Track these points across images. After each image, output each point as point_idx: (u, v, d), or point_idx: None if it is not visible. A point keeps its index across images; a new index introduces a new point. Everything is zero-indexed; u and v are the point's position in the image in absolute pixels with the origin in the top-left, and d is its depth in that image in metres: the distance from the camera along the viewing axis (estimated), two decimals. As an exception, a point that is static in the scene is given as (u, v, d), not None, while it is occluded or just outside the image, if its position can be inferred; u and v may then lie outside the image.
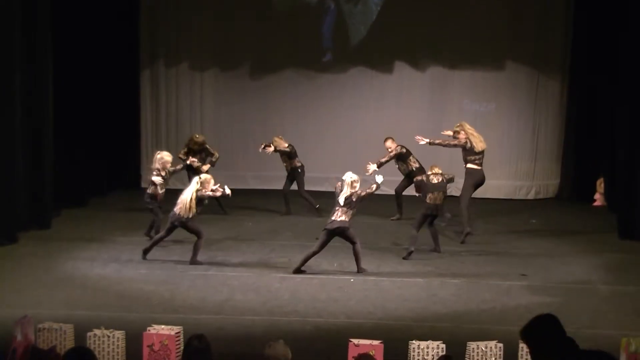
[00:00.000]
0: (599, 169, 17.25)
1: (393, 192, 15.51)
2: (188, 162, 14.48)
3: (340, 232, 11.57)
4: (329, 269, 11.89)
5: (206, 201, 12.14)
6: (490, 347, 8.01)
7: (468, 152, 14.01)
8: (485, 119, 18.30)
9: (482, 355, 7.98)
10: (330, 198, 12.43)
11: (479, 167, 14.02)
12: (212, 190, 11.99)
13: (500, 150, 18.06)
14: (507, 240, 14.01)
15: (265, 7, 18.27)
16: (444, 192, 12.85)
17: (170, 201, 12.53)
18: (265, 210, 16.12)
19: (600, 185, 17.23)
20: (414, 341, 8.05)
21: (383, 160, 14.74)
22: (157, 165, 13.08)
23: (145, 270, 11.67)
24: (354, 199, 11.54)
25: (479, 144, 13.98)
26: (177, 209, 11.92)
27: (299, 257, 11.75)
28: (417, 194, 13.19)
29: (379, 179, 11.93)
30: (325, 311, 10.05)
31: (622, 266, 12.48)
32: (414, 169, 14.79)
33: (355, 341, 7.89)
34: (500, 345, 8.05)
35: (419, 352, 7.95)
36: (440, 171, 12.95)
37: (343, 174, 17.80)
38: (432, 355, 7.89)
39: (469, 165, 14.06)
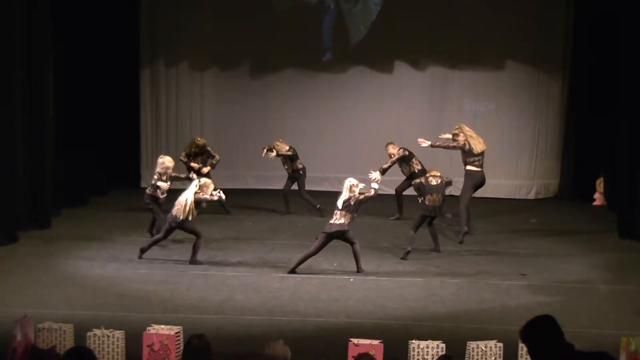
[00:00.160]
0: (599, 169, 17.26)
1: (393, 192, 15.51)
2: (191, 174, 14.53)
3: (338, 235, 11.60)
4: (329, 268, 11.89)
5: (204, 204, 12.15)
6: (490, 347, 8.01)
7: (467, 154, 14.02)
8: (485, 119, 18.33)
9: (482, 355, 7.97)
10: (330, 197, 12.43)
11: (479, 169, 14.02)
12: (210, 194, 12.01)
13: (500, 149, 18.07)
14: (507, 240, 14.01)
15: (265, 7, 18.26)
16: (443, 193, 12.87)
17: (171, 201, 12.53)
18: (265, 210, 16.12)
19: (600, 184, 17.23)
20: (413, 341, 8.04)
21: (386, 166, 14.77)
22: (158, 169, 13.12)
23: (145, 270, 11.67)
24: (352, 203, 11.56)
25: (477, 146, 13.98)
26: (174, 211, 11.95)
27: (299, 256, 11.75)
28: (418, 198, 13.14)
29: (374, 185, 11.92)
30: (325, 311, 10.05)
31: (622, 266, 12.48)
32: (416, 170, 14.78)
33: (355, 341, 7.88)
34: (500, 344, 8.05)
35: (418, 352, 7.95)
36: (438, 174, 12.96)
37: (343, 174, 17.95)
38: (432, 354, 7.89)
39: (469, 167, 14.06)
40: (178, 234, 12.52)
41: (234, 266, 11.99)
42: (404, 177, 15.19)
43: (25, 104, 13.54)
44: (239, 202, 16.05)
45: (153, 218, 13.25)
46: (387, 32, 18.13)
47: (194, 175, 13.18)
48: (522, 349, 8.00)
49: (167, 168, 13.07)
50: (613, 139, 15.36)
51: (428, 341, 8.02)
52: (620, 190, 14.67)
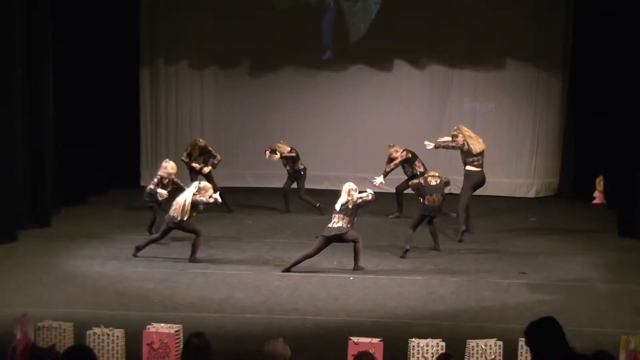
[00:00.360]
0: (598, 168, 17.25)
1: (393, 190, 15.51)
2: (195, 176, 14.84)
3: (337, 238, 11.61)
4: (329, 267, 11.89)
5: (201, 207, 12.17)
6: (490, 345, 8.01)
7: (466, 154, 14.02)
8: (485, 118, 18.34)
9: (481, 353, 7.98)
10: (330, 197, 12.44)
11: (478, 169, 14.01)
12: (209, 197, 12.03)
13: (500, 148, 18.07)
14: (506, 239, 14.01)
15: (265, 7, 18.26)
16: (442, 193, 12.88)
17: (171, 201, 12.53)
18: (265, 209, 16.12)
19: (599, 183, 17.23)
20: (413, 339, 8.04)
21: (388, 169, 14.80)
22: (160, 172, 13.16)
23: (145, 269, 11.67)
24: (350, 206, 11.58)
25: (476, 146, 13.97)
26: (172, 211, 11.98)
27: (297, 256, 11.75)
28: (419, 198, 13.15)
29: (370, 191, 11.92)
30: (324, 309, 10.05)
31: (622, 264, 12.48)
32: (419, 172, 14.73)
33: (355, 339, 7.89)
34: (500, 343, 8.05)
35: (418, 350, 7.95)
36: (437, 174, 12.97)
37: (343, 172, 18.09)
38: (432, 353, 7.89)
39: (468, 167, 14.06)
40: (178, 232, 12.51)
41: (233, 264, 12.00)
42: (405, 177, 15.17)
43: (25, 104, 13.54)
44: (239, 200, 16.06)
45: (153, 216, 13.27)
46: (387, 30, 18.13)
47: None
48: (522, 347, 8.00)
49: (170, 174, 13.11)
50: (613, 138, 15.36)
51: (428, 339, 8.02)
52: (620, 189, 14.67)
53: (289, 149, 15.49)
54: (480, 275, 11.66)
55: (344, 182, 13.14)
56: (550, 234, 14.46)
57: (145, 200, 13.23)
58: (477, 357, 7.97)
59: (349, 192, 11.66)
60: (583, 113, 17.74)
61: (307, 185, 15.78)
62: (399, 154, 14.95)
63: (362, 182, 17.48)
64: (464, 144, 13.98)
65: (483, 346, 8.00)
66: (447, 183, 13.15)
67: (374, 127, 18.34)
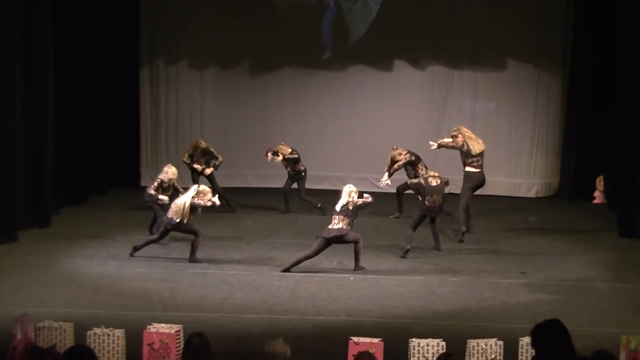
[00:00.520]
0: (599, 167, 17.25)
1: (394, 191, 15.50)
2: (197, 177, 15.09)
3: (337, 240, 11.61)
4: (329, 267, 11.89)
5: (199, 210, 12.17)
6: (490, 345, 8.01)
7: (465, 154, 14.00)
8: (485, 117, 18.35)
9: (482, 353, 7.98)
10: (330, 196, 12.44)
11: (478, 170, 13.99)
12: (207, 200, 12.04)
13: (501, 148, 18.09)
14: (506, 238, 14.01)
15: (265, 6, 18.25)
16: (443, 194, 12.88)
17: (170, 201, 12.54)
18: (265, 209, 16.12)
19: (599, 182, 17.23)
20: (414, 339, 8.04)
21: (392, 170, 14.78)
22: (161, 176, 13.23)
23: (145, 269, 11.66)
24: (350, 207, 11.57)
25: (476, 146, 13.95)
26: (170, 213, 12.00)
27: (297, 256, 11.75)
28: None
29: (367, 196, 11.91)
30: (325, 309, 10.05)
31: (622, 264, 12.48)
32: (421, 175, 14.72)
33: (356, 339, 7.88)
34: (500, 342, 8.05)
35: (419, 350, 7.94)
36: (437, 174, 12.98)
37: (343, 172, 18.09)
38: (432, 353, 7.89)
39: (467, 169, 14.05)
40: (178, 232, 12.49)
41: (233, 264, 12.00)
42: (407, 178, 15.15)
43: (25, 104, 13.55)
44: (239, 200, 16.05)
45: (154, 216, 13.27)
46: (387, 30, 18.13)
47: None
48: (522, 347, 8.01)
49: (170, 180, 13.21)
50: (613, 137, 15.36)
51: (428, 339, 8.02)
52: (620, 189, 14.67)
53: (290, 150, 15.48)
54: (480, 275, 11.66)
55: (344, 182, 13.18)
56: (550, 233, 14.46)
57: (145, 200, 13.26)
58: (477, 357, 7.97)
59: (349, 194, 11.66)
60: (583, 113, 17.74)
61: (307, 185, 15.78)
62: (402, 157, 14.90)
63: (363, 182, 17.57)
64: (463, 145, 13.97)
65: (483, 346, 8.00)
66: (446, 183, 13.16)
67: (374, 127, 18.34)
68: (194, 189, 12.17)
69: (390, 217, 15.35)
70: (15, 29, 13.17)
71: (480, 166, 14.01)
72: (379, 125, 18.33)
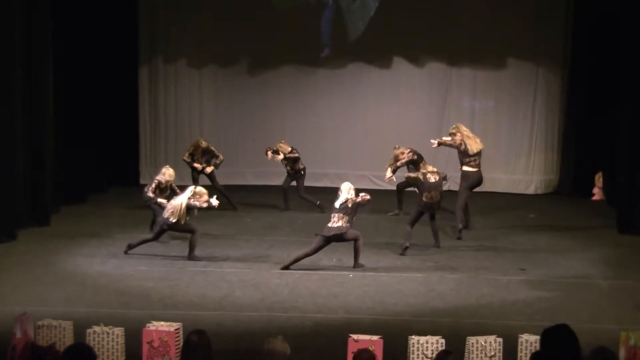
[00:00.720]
0: (598, 164, 17.24)
1: (393, 188, 15.51)
2: (197, 175, 15.25)
3: (337, 238, 11.61)
4: (328, 264, 11.89)
5: (196, 212, 12.17)
6: (490, 342, 8.02)
7: (463, 154, 13.99)
8: (484, 115, 18.35)
9: (481, 350, 7.98)
10: (329, 194, 12.44)
11: (475, 169, 13.97)
12: (202, 203, 12.04)
13: (500, 145, 18.10)
14: (506, 235, 14.01)
15: (264, 5, 18.24)
16: (441, 191, 12.88)
17: (168, 201, 12.55)
18: (264, 206, 16.12)
19: (599, 179, 17.22)
20: (413, 336, 8.04)
21: (394, 167, 14.77)
22: (159, 177, 13.26)
23: (145, 267, 11.67)
24: (349, 205, 11.57)
25: (473, 146, 13.92)
26: (166, 214, 12.00)
27: (296, 253, 11.75)
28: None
29: (364, 194, 11.91)
30: (324, 307, 10.05)
31: (621, 261, 12.48)
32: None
33: (355, 337, 7.89)
34: (500, 339, 8.05)
35: (418, 347, 7.95)
36: (435, 170, 12.97)
37: (342, 170, 18.10)
38: (432, 350, 7.89)
39: (464, 168, 14.04)
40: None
41: (233, 262, 12.00)
42: None
43: (25, 104, 13.56)
44: (239, 198, 16.05)
45: (153, 215, 13.27)
46: (386, 28, 18.12)
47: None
48: (522, 344, 8.02)
49: (168, 181, 13.26)
50: (612, 135, 15.36)
51: (427, 336, 8.03)
52: (620, 186, 14.66)
53: (289, 149, 15.48)
54: (479, 272, 11.66)
55: (344, 180, 13.19)
56: (549, 230, 14.46)
57: (144, 199, 13.28)
58: (476, 354, 7.98)
59: (348, 192, 11.66)
60: (583, 111, 17.73)
61: (306, 183, 15.78)
62: (405, 155, 14.89)
63: (362, 180, 17.62)
64: (461, 144, 13.94)
65: (483, 343, 8.01)
66: (444, 178, 13.16)
67: (373, 125, 18.35)
68: (190, 189, 12.18)
69: (389, 214, 15.36)
70: (15, 29, 13.17)
71: (478, 165, 13.99)
72: (378, 122, 18.33)
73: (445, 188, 13.10)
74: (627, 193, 14.21)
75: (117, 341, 8.07)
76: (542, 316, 9.69)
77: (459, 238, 13.49)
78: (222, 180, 15.84)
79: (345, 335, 8.03)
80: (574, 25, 17.84)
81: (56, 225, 14.18)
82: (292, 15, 18.30)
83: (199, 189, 12.30)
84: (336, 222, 11.55)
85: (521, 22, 17.96)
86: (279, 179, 16.28)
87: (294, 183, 15.63)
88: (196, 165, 15.39)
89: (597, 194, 17.28)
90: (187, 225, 12.10)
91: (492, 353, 7.98)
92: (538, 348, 7.73)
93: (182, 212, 11.92)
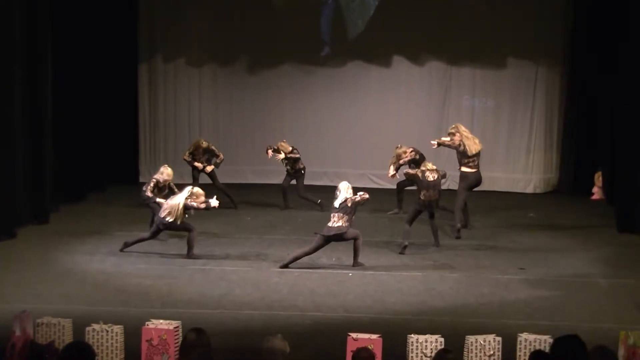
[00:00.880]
0: (598, 163, 17.24)
1: (393, 187, 15.49)
2: (197, 174, 15.31)
3: (337, 238, 11.61)
4: (328, 263, 11.89)
5: (192, 212, 12.16)
6: (489, 341, 8.01)
7: (462, 154, 13.98)
8: (484, 114, 18.33)
9: (480, 349, 7.98)
10: (329, 192, 12.43)
11: (473, 170, 13.96)
12: (199, 204, 12.03)
13: (499, 144, 18.10)
14: (505, 234, 14.01)
15: (264, 3, 18.22)
16: (439, 190, 12.88)
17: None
18: (264, 205, 16.10)
19: (598, 178, 17.22)
20: (412, 335, 8.04)
21: (397, 165, 14.77)
22: (157, 176, 13.30)
23: (144, 265, 11.67)
24: (349, 204, 11.56)
25: (472, 147, 13.90)
26: (163, 213, 12.00)
27: (296, 252, 11.75)
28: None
29: (361, 193, 11.90)
30: (323, 305, 10.05)
31: (621, 260, 12.48)
32: None
33: (354, 335, 7.88)
34: (499, 338, 8.05)
35: (417, 346, 7.95)
36: (434, 167, 12.96)
37: (341, 168, 18.08)
38: (431, 349, 7.89)
39: (463, 169, 14.02)
40: (177, 229, 12.52)
41: (232, 261, 12.00)
42: None
43: (25, 100, 13.55)
44: (239, 197, 16.03)
45: (152, 213, 13.26)
46: (385, 27, 18.09)
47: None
48: (521, 343, 8.01)
49: (166, 180, 13.28)
50: (612, 134, 15.36)
51: (427, 335, 8.02)
52: (620, 185, 14.66)
53: (290, 148, 15.46)
54: (479, 271, 11.66)
55: (343, 179, 13.19)
56: (549, 229, 14.46)
57: (142, 199, 13.30)
58: (475, 353, 7.98)
59: (347, 191, 11.65)
60: (582, 110, 17.73)
61: (305, 182, 15.76)
62: (407, 155, 14.88)
63: (361, 179, 17.61)
64: (460, 144, 13.92)
65: (482, 342, 8.01)
66: (443, 175, 13.16)
67: (373, 123, 18.33)
68: (187, 190, 12.18)
69: (389, 213, 15.35)
70: (15, 29, 13.16)
71: (477, 166, 13.98)
72: (377, 121, 18.31)
73: (444, 187, 13.09)
74: (627, 192, 14.21)
75: (116, 339, 8.07)
76: (542, 315, 9.70)
77: (458, 237, 13.48)
78: (221, 179, 15.82)
79: (344, 334, 8.02)
80: (574, 24, 17.83)
81: (56, 223, 14.17)
82: (292, 14, 18.27)
83: (196, 189, 12.29)
84: (336, 221, 11.54)
85: (521, 22, 17.94)
86: (278, 178, 16.27)
87: (293, 182, 15.62)
88: (197, 164, 15.40)
89: (597, 193, 17.28)
90: (184, 224, 12.09)
91: (491, 352, 7.98)
92: (537, 347, 7.77)
93: (179, 212, 11.92)
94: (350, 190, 11.68)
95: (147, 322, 8.12)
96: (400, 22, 18.03)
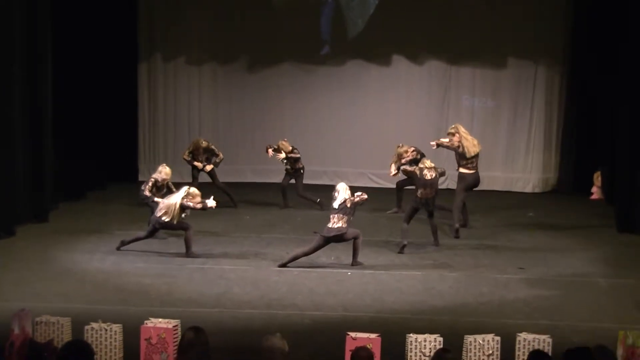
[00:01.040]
0: (597, 163, 17.24)
1: (392, 186, 15.48)
2: (197, 173, 15.26)
3: (337, 239, 11.61)
4: (327, 262, 11.89)
5: (188, 212, 12.15)
6: (488, 340, 8.00)
7: (460, 156, 13.98)
8: (483, 113, 18.32)
9: (479, 348, 7.97)
10: (328, 192, 12.43)
11: (472, 171, 13.96)
12: (195, 204, 12.03)
13: (499, 143, 18.10)
14: (505, 234, 14.00)
15: (263, 2, 18.21)
16: (436, 188, 12.88)
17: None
18: (264, 204, 16.10)
19: (597, 178, 17.22)
20: (411, 334, 8.03)
21: (398, 164, 14.77)
22: (155, 175, 13.32)
23: (143, 264, 11.67)
24: (348, 205, 11.56)
25: (471, 149, 13.89)
26: (159, 213, 12.00)
27: (295, 251, 11.75)
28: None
29: (359, 193, 11.90)
30: (323, 304, 10.05)
31: (621, 259, 12.48)
32: None
33: (353, 334, 7.88)
34: (498, 338, 8.04)
35: (416, 345, 7.94)
36: (433, 165, 12.96)
37: (341, 167, 18.08)
38: (430, 348, 7.88)
39: (461, 170, 14.03)
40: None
41: (231, 260, 11.99)
42: None
43: (25, 99, 13.55)
44: (238, 196, 16.03)
45: (151, 212, 13.24)
46: (385, 26, 18.08)
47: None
48: (519, 343, 8.01)
49: (164, 180, 13.31)
50: (612, 134, 15.35)
51: (426, 335, 8.01)
52: (619, 185, 14.66)
53: (291, 148, 15.46)
54: (478, 271, 11.66)
55: (343, 178, 13.19)
56: (548, 229, 14.45)
57: (141, 198, 13.31)
58: (474, 352, 7.97)
59: (345, 191, 11.65)
60: (582, 110, 17.73)
61: (304, 181, 15.76)
62: (408, 154, 14.88)
63: (361, 178, 17.63)
64: (459, 146, 13.92)
65: (481, 341, 8.00)
66: (442, 174, 13.15)
67: (373, 122, 18.33)
68: (184, 189, 12.18)
69: (388, 212, 15.35)
70: (15, 29, 13.16)
71: (475, 167, 13.99)
72: (377, 120, 18.31)
73: (444, 186, 13.09)
74: (627, 192, 14.21)
75: (115, 338, 8.07)
76: (541, 315, 9.70)
77: (457, 237, 13.48)
78: (221, 178, 15.83)
79: (343, 333, 8.01)
80: (574, 24, 17.82)
81: (55, 221, 14.17)
82: (292, 13, 18.26)
83: (193, 189, 12.28)
84: (336, 222, 11.53)
85: (521, 22, 17.94)
86: (278, 177, 16.27)
87: (293, 181, 15.62)
88: (196, 163, 15.40)
89: (596, 192, 17.28)
90: (180, 223, 12.09)
91: (490, 351, 7.98)
92: (536, 347, 7.76)
93: (175, 211, 11.92)
94: (349, 191, 11.68)
95: (146, 321, 8.12)
96: (400, 21, 18.02)
